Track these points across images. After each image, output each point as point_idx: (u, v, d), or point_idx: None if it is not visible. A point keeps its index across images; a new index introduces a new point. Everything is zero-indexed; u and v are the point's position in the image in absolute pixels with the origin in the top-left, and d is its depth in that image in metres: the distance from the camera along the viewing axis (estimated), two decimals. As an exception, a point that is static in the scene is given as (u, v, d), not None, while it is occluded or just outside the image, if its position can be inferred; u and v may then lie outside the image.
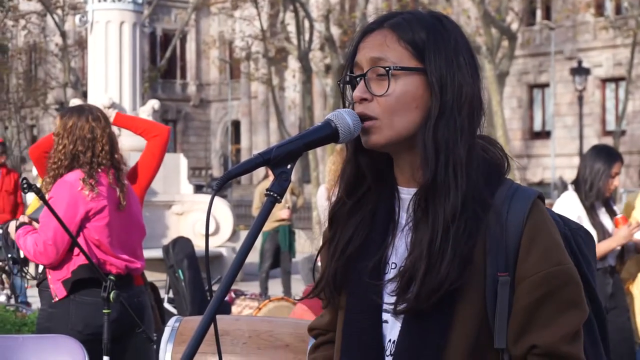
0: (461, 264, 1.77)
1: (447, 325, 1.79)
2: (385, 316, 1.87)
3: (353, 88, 1.90)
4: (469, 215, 1.79)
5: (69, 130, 4.51)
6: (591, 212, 5.64)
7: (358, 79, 1.87)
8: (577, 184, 5.72)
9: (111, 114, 5.55)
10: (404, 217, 1.89)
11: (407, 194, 1.89)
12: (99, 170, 4.48)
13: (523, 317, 1.80)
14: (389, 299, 1.84)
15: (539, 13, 38.22)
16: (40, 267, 4.62)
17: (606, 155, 5.72)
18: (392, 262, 1.88)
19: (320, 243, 2.03)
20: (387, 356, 1.86)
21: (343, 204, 1.95)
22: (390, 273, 1.87)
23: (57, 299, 4.41)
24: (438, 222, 1.78)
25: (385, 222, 1.91)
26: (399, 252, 1.88)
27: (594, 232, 5.42)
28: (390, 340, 1.87)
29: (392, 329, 1.86)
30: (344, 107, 1.90)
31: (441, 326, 1.79)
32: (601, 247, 5.46)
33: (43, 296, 4.53)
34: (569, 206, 5.62)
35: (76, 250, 4.36)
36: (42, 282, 4.55)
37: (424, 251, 1.78)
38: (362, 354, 1.88)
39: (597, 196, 5.62)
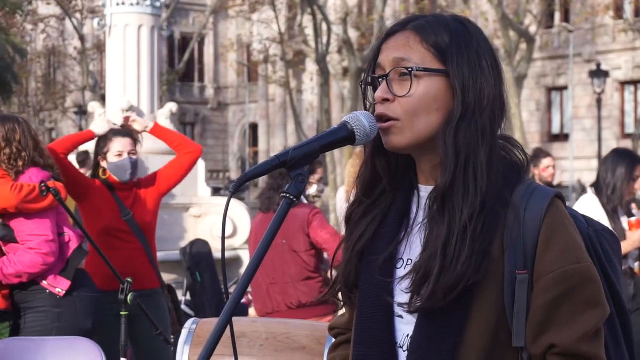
0: (479, 259, 1.77)
1: (464, 322, 1.78)
2: (401, 311, 1.86)
3: (374, 90, 1.90)
4: (488, 213, 1.79)
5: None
6: (613, 216, 5.61)
7: (380, 80, 1.88)
8: (598, 187, 5.70)
9: (149, 124, 5.58)
10: (421, 215, 1.89)
11: (426, 192, 1.89)
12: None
13: (541, 315, 1.79)
14: (402, 296, 1.84)
15: (557, 16, 38.07)
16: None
17: (629, 159, 5.71)
18: (407, 259, 1.88)
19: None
20: (404, 351, 1.86)
21: (358, 206, 1.96)
22: (404, 269, 1.87)
23: (63, 293, 4.36)
24: (455, 222, 1.78)
25: (397, 219, 1.91)
26: (413, 248, 1.88)
27: (615, 237, 5.39)
28: (406, 335, 1.86)
29: (407, 323, 1.86)
30: (365, 108, 1.91)
31: (457, 322, 1.78)
32: None
33: (37, 299, 4.39)
34: (589, 209, 5.58)
35: (65, 237, 4.40)
36: (26, 288, 4.39)
37: (439, 249, 1.78)
38: (375, 349, 1.88)
39: (619, 200, 5.60)
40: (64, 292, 4.36)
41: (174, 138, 5.55)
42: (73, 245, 4.41)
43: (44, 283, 4.36)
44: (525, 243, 1.79)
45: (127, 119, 5.56)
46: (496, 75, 1.87)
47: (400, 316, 1.87)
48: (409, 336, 1.85)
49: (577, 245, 1.82)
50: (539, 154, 8.32)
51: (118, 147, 5.18)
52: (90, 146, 6.52)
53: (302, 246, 5.52)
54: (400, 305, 1.85)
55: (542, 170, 8.01)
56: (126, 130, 5.35)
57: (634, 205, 5.92)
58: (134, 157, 5.21)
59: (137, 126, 5.51)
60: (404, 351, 1.86)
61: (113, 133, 5.27)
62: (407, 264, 1.88)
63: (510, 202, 1.81)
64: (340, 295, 2.01)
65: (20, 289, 4.39)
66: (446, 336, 1.79)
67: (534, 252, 1.79)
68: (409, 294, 1.81)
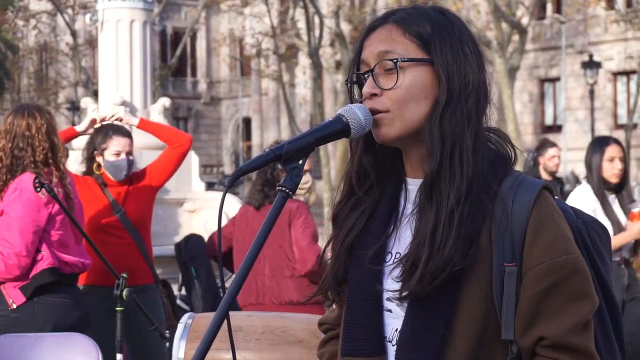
0: (465, 244, 1.77)
1: (452, 313, 1.78)
2: (390, 305, 1.87)
3: (360, 87, 1.91)
4: (474, 199, 1.79)
5: (6, 129, 4.32)
6: (604, 203, 5.70)
7: (365, 76, 1.88)
8: (587, 176, 5.89)
9: (134, 121, 5.52)
10: (409, 208, 1.89)
11: (414, 184, 1.90)
12: (44, 169, 4.29)
13: (530, 308, 1.79)
14: (392, 286, 1.84)
15: (549, 7, 38.08)
16: None
17: (598, 141, 6.05)
18: (396, 252, 1.88)
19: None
20: (393, 345, 1.86)
21: (346, 202, 1.95)
22: (392, 262, 1.87)
23: (14, 307, 4.26)
24: (442, 208, 1.79)
25: (386, 213, 1.91)
26: (402, 241, 1.88)
27: (609, 225, 5.46)
28: (395, 329, 1.86)
29: (396, 317, 1.86)
30: None
31: (445, 314, 1.78)
32: (615, 241, 5.49)
33: None
34: (583, 199, 5.69)
35: (39, 255, 4.26)
36: None
37: (428, 236, 1.79)
38: (364, 344, 1.87)
39: (602, 182, 5.74)
40: (16, 306, 4.25)
41: (162, 131, 5.53)
42: (43, 265, 4.28)
43: (2, 287, 4.27)
44: (514, 235, 1.79)
45: (102, 120, 5.35)
46: (479, 62, 1.88)
47: (390, 310, 1.87)
48: (398, 330, 1.85)
49: (565, 236, 1.82)
50: (545, 143, 8.47)
51: (117, 146, 5.11)
52: (77, 141, 6.44)
53: (287, 242, 5.43)
54: (389, 298, 1.85)
55: (548, 160, 8.16)
56: (126, 129, 5.29)
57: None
58: (131, 157, 5.18)
59: (123, 117, 5.45)
60: (393, 345, 1.86)
61: (113, 131, 5.18)
62: (395, 258, 1.87)
63: (497, 193, 1.81)
64: (329, 294, 2.00)
65: None
66: (435, 328, 1.79)
67: (522, 244, 1.79)
68: (400, 283, 1.81)
